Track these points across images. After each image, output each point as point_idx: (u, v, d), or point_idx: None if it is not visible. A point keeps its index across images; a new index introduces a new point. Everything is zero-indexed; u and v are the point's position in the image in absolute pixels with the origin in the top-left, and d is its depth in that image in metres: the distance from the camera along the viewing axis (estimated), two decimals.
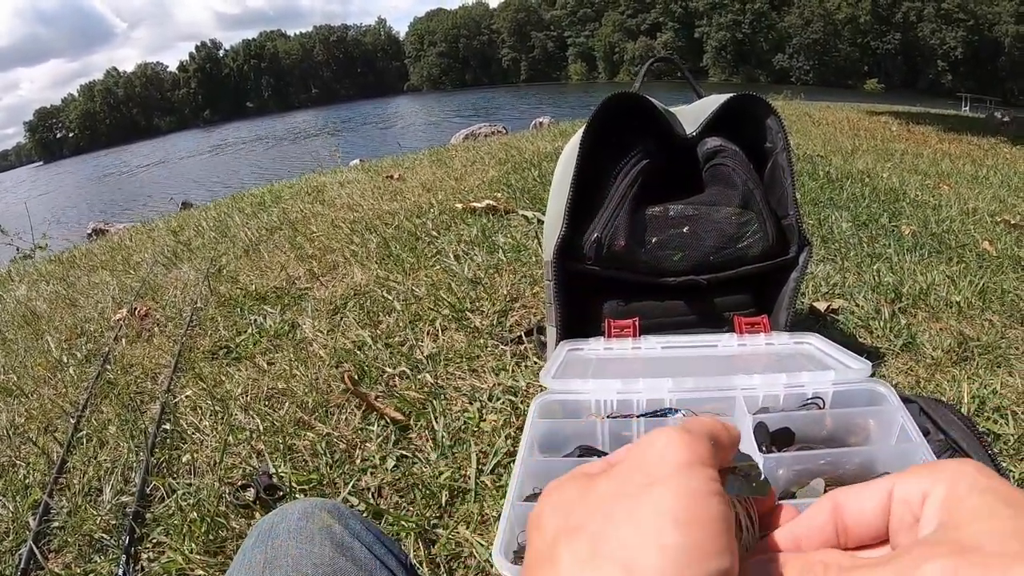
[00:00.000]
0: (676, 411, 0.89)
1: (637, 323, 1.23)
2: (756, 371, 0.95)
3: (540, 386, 1.60)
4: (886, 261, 2.48)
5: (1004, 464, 1.35)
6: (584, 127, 1.27)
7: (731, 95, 1.35)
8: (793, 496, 0.77)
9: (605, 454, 0.86)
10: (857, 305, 2.08)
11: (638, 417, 0.89)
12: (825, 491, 0.76)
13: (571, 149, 1.33)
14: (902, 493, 0.38)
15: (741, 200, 1.30)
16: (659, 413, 0.89)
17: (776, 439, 0.84)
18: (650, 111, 1.32)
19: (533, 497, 0.80)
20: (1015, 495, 0.34)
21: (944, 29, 56.97)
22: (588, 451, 0.86)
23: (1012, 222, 3.27)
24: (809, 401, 0.91)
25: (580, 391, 0.92)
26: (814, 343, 1.14)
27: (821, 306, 2.02)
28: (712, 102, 1.38)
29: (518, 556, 0.72)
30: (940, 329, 1.92)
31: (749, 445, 0.80)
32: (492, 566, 1.15)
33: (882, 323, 1.96)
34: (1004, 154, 6.86)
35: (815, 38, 64.62)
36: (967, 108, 20.47)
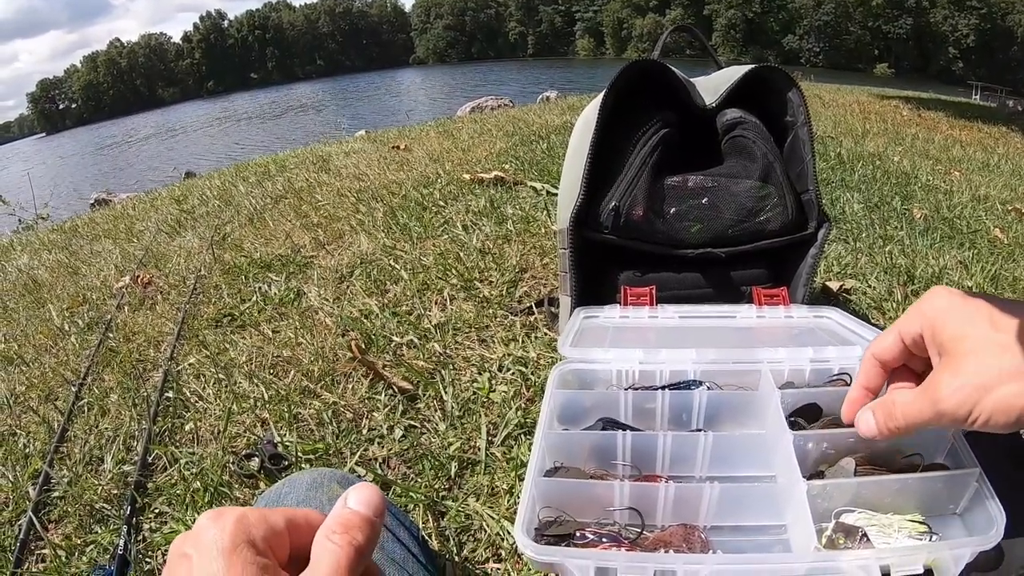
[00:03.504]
0: (700, 383, 0.86)
1: (654, 291, 1.20)
2: (776, 344, 0.93)
3: (551, 358, 1.58)
4: (898, 243, 2.46)
5: None
6: (603, 93, 1.24)
7: (752, 66, 1.32)
8: (821, 475, 0.75)
9: (628, 427, 0.84)
10: (870, 286, 2.06)
11: (661, 389, 0.86)
12: (855, 471, 0.74)
13: (588, 116, 1.29)
14: (908, 339, 0.64)
15: (761, 173, 1.27)
16: (682, 385, 0.86)
17: (804, 414, 0.81)
18: (670, 80, 1.29)
19: (553, 472, 0.78)
20: (973, 308, 0.59)
21: (957, 16, 56.54)
22: (611, 423, 0.83)
23: (1023, 210, 3.24)
24: (835, 377, 0.88)
25: (600, 361, 0.89)
26: (834, 317, 1.11)
27: (834, 285, 1.99)
28: (732, 73, 1.35)
29: (539, 534, 0.69)
30: None
31: (777, 419, 0.77)
32: (503, 539, 1.13)
33: (895, 305, 1.94)
34: (1015, 143, 6.83)
35: (826, 20, 64.18)
36: (978, 96, 20.35)
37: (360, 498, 0.43)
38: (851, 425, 0.68)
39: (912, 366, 0.67)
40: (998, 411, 0.54)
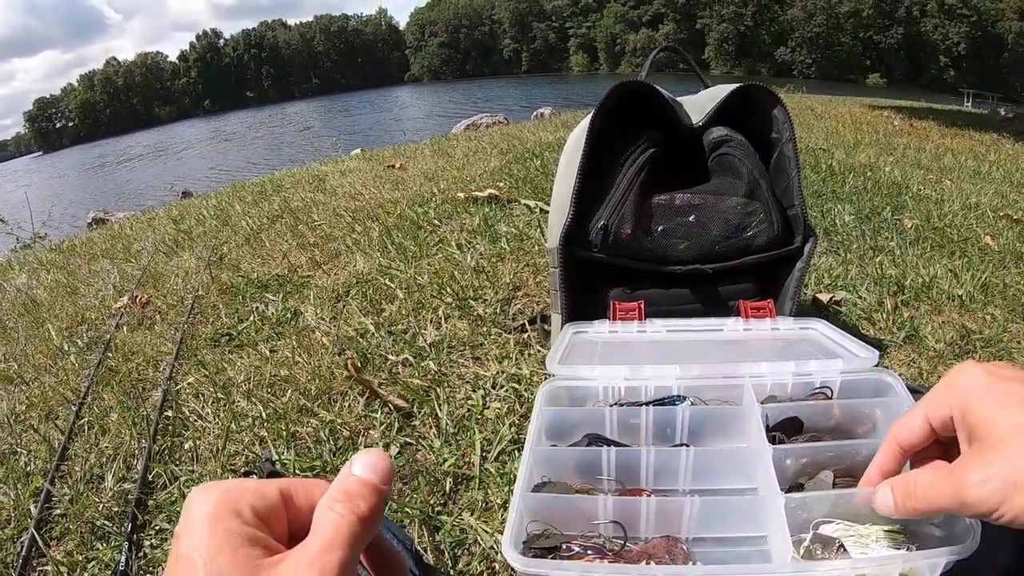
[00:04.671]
0: (684, 398, 0.89)
1: (642, 306, 1.23)
2: (762, 357, 0.95)
3: (544, 374, 1.60)
4: (889, 254, 2.48)
5: None
6: (591, 114, 1.27)
7: (737, 85, 1.35)
8: (801, 487, 0.77)
9: (613, 442, 0.86)
10: (860, 297, 2.08)
11: (646, 405, 0.88)
12: (834, 484, 0.76)
13: (578, 136, 1.32)
14: (936, 422, 0.61)
15: (747, 190, 1.30)
16: (666, 401, 0.89)
17: (785, 428, 0.84)
18: (657, 100, 1.32)
19: (541, 487, 0.80)
20: (1009, 391, 0.55)
21: (947, 24, 56.84)
22: (597, 439, 0.85)
23: (1014, 217, 3.26)
24: (817, 390, 0.91)
25: (587, 378, 0.92)
26: (819, 328, 1.14)
27: (824, 298, 2.02)
28: (718, 92, 1.38)
29: (527, 547, 0.72)
30: (943, 322, 1.92)
31: (758, 433, 0.80)
32: (497, 553, 1.15)
33: (885, 315, 1.96)
34: (1006, 150, 6.85)
35: (818, 31, 64.46)
36: (969, 104, 20.45)
37: (366, 463, 0.40)
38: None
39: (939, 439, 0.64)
40: None
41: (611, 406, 0.89)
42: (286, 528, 0.39)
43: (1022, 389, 0.55)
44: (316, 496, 0.40)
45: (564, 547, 0.71)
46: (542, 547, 0.71)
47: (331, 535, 0.36)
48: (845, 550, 0.68)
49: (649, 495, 0.77)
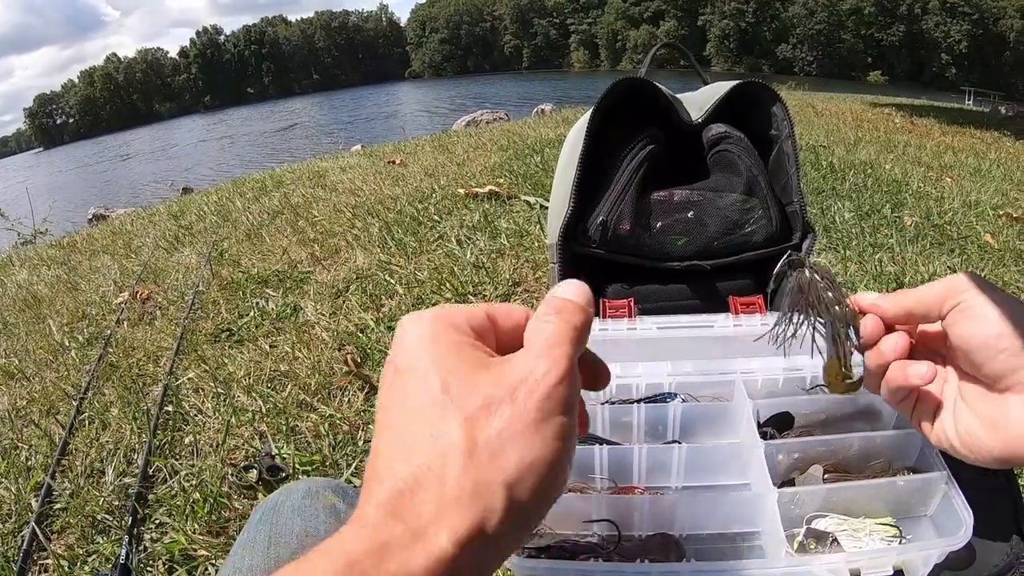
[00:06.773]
0: (675, 395, 0.89)
1: (632, 303, 1.23)
2: (751, 353, 0.95)
3: None
4: (888, 251, 2.48)
5: None
6: (591, 109, 1.27)
7: (736, 82, 1.34)
8: (792, 483, 0.77)
9: (604, 440, 0.86)
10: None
11: (637, 402, 0.89)
12: (824, 478, 0.76)
13: (577, 132, 1.32)
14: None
15: (745, 187, 1.30)
16: (658, 398, 0.89)
17: (776, 423, 0.84)
18: (657, 96, 1.32)
19: None
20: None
21: (949, 22, 56.76)
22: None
23: (1014, 215, 3.26)
24: (812, 388, 0.91)
25: None
26: None
27: None
28: (718, 89, 1.37)
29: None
30: None
31: (749, 429, 0.80)
32: None
33: None
34: (1007, 148, 6.85)
35: (819, 29, 64.35)
36: (970, 102, 20.45)
37: (569, 290, 0.41)
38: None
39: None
40: None
41: (602, 404, 0.89)
42: (494, 347, 0.40)
43: None
44: (516, 318, 0.41)
45: (558, 547, 0.71)
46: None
47: (553, 336, 0.37)
48: (839, 544, 0.68)
49: (642, 493, 0.77)
